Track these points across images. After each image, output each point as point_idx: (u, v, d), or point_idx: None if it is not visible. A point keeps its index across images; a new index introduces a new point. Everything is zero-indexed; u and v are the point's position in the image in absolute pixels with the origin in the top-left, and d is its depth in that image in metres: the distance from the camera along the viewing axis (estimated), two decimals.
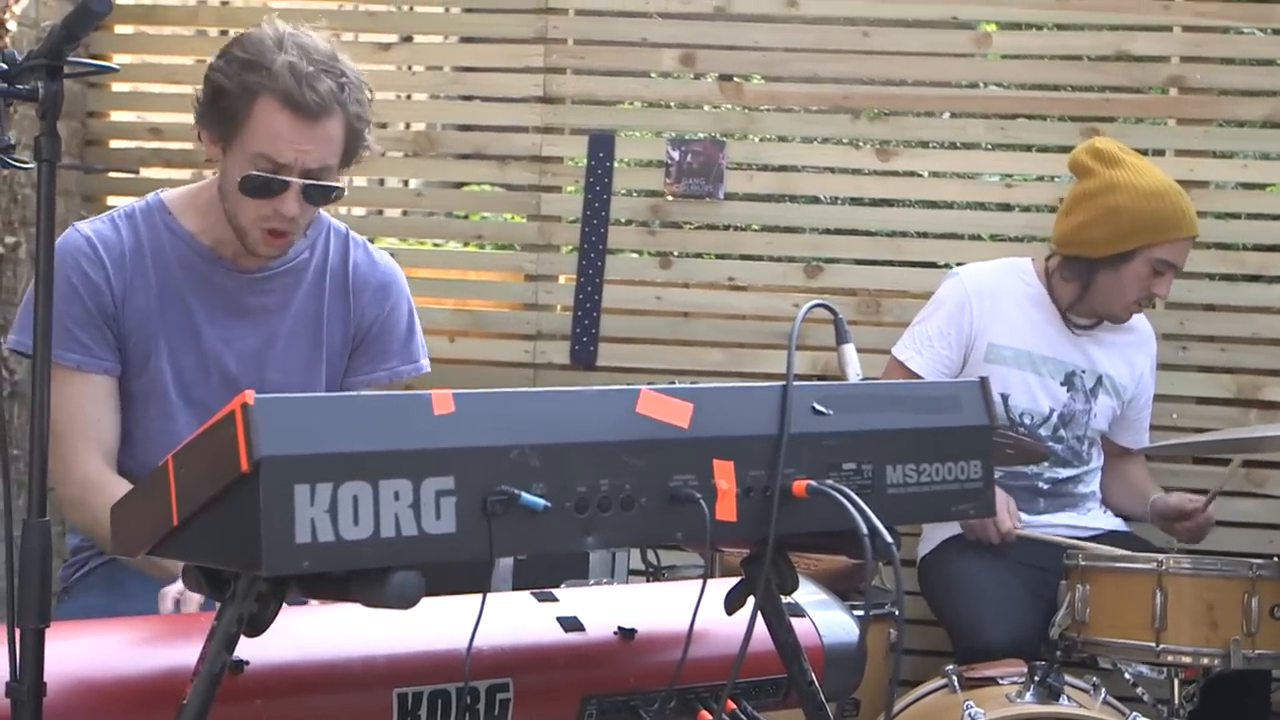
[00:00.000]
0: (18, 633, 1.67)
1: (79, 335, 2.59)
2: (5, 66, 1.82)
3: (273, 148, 2.53)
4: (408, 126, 5.35)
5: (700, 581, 1.91)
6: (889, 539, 1.75)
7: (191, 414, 2.66)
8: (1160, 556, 3.39)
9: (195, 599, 2.27)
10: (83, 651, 1.85)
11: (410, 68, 5.07)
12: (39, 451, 1.73)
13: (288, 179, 2.54)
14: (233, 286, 2.71)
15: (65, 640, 1.81)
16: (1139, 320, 3.99)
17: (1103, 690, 3.09)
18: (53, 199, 1.81)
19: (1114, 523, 3.95)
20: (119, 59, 4.79)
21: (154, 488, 1.63)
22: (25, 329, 2.52)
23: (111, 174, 4.87)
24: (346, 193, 2.72)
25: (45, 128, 1.82)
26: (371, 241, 2.97)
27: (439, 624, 1.96)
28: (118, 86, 4.93)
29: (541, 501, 1.63)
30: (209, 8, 5.15)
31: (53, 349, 1.79)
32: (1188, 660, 3.31)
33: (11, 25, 4.22)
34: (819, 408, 1.86)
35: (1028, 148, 4.64)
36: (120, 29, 4.88)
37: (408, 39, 5.39)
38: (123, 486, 2.49)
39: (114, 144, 4.95)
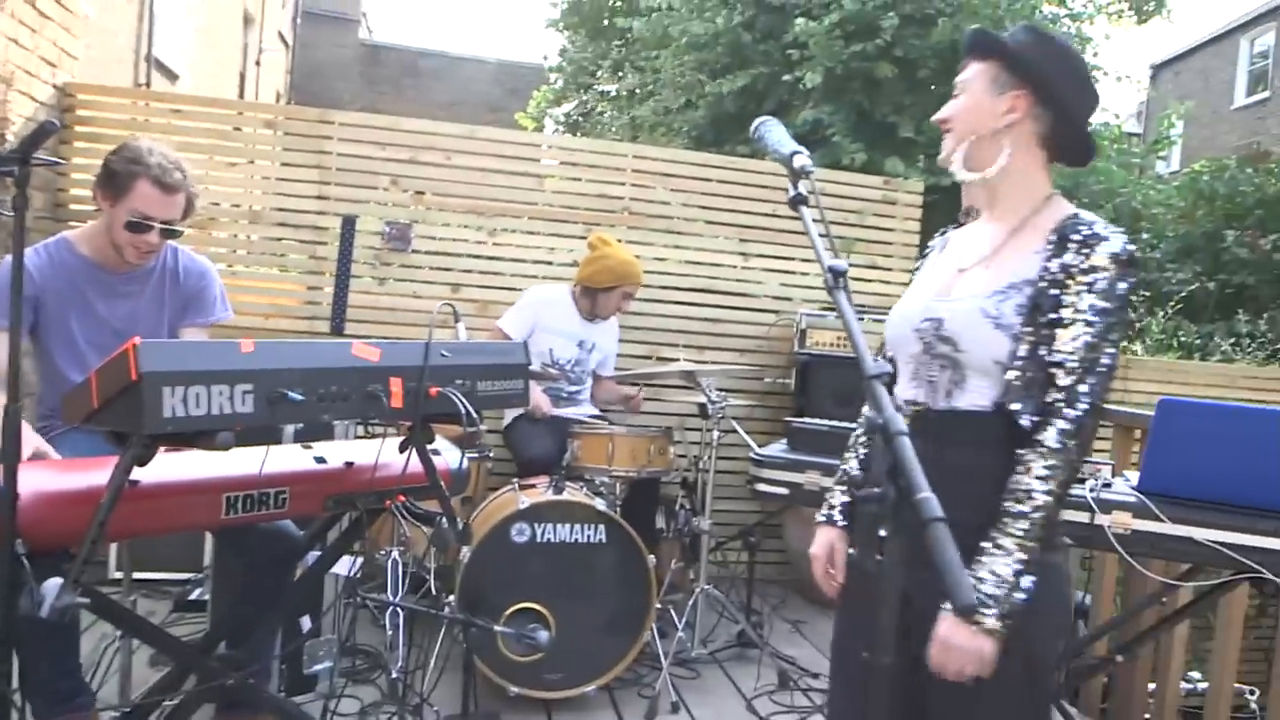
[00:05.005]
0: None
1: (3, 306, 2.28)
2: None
3: (146, 207, 2.34)
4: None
5: (382, 438, 1.93)
6: (475, 416, 1.79)
7: (95, 356, 2.41)
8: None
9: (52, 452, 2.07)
10: (42, 476, 1.71)
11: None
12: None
13: (154, 225, 2.37)
14: (112, 281, 2.47)
15: (33, 471, 1.70)
16: (613, 320, 4.09)
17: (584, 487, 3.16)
18: (21, 238, 1.66)
19: (596, 411, 4.03)
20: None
21: (84, 387, 1.53)
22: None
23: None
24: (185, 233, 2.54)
25: (19, 193, 1.67)
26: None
27: (248, 461, 1.91)
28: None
29: (300, 396, 1.61)
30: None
31: None
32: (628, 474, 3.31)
33: (9, 136, 3.71)
34: (444, 354, 1.88)
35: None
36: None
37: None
38: None
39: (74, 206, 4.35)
